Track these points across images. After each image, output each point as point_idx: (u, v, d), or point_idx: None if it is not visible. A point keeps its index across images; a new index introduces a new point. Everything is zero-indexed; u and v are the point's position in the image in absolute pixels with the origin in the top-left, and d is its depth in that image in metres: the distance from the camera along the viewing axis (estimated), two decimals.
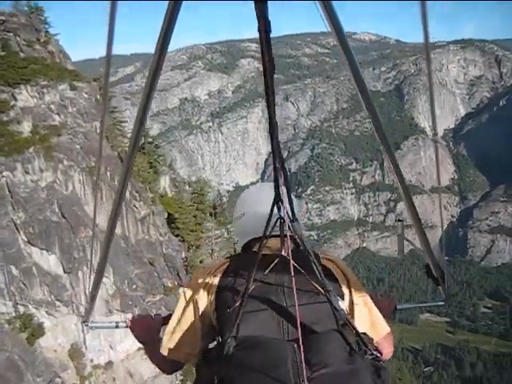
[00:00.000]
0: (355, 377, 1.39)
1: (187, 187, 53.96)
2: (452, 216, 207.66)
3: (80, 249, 33.55)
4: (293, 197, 1.66)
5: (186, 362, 1.95)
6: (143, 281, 38.70)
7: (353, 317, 1.78)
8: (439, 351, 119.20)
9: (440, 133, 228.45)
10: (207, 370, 1.54)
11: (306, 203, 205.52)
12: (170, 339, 1.91)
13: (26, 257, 31.97)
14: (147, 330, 2.29)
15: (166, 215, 43.64)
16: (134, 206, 39.79)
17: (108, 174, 37.09)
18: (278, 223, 1.63)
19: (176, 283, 41.53)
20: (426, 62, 0.99)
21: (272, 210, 1.59)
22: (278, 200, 1.55)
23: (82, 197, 35.51)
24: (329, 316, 1.54)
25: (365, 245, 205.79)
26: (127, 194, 37.69)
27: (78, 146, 36.19)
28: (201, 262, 41.37)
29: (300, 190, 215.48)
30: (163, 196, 46.71)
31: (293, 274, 1.43)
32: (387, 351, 1.92)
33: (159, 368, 2.17)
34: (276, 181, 1.48)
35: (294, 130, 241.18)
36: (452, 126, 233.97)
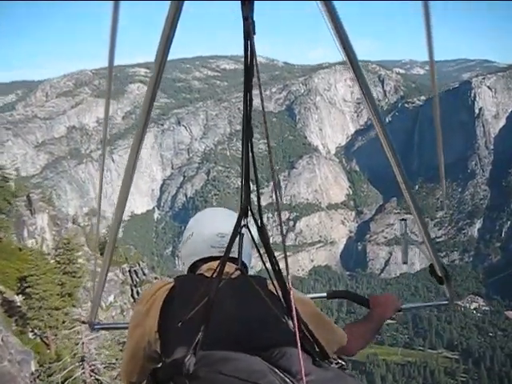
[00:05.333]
0: (343, 382, 1.38)
1: (70, 224, 45.20)
2: (350, 231, 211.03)
3: None
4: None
5: (127, 382, 1.91)
6: None
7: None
8: (350, 368, 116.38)
9: (332, 150, 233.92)
10: None
11: None
12: (123, 361, 1.88)
13: None
14: None
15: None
16: None
17: None
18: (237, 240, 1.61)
19: None
20: (430, 70, 0.94)
21: (240, 221, 1.54)
22: (245, 207, 1.50)
23: None
24: (282, 330, 1.52)
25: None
26: None
27: None
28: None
29: None
30: (21, 249, 32.71)
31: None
32: (354, 346, 2.10)
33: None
34: (246, 182, 1.44)
35: (189, 154, 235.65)
36: (343, 144, 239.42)
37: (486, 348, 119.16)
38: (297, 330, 1.27)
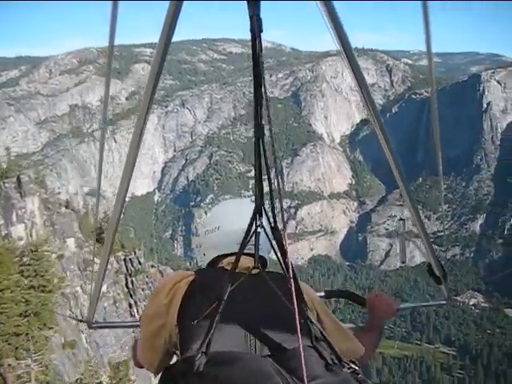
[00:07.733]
0: None
1: (63, 209, 42.05)
2: (351, 221, 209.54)
3: None
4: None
5: (148, 370, 1.91)
6: None
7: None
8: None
9: (337, 139, 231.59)
10: None
11: (206, 212, 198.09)
12: (141, 349, 1.90)
13: None
14: None
15: None
16: None
17: None
18: (254, 238, 1.59)
19: None
20: (428, 66, 0.95)
21: (253, 220, 1.54)
22: (259, 206, 1.50)
23: None
24: (301, 332, 1.42)
25: None
26: None
27: None
28: None
29: (199, 198, 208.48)
30: None
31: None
32: (365, 358, 2.02)
33: (135, 362, 2.14)
34: (259, 183, 1.44)
35: (191, 137, 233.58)
36: (348, 133, 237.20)
37: (484, 345, 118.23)
38: (298, 324, 1.28)
